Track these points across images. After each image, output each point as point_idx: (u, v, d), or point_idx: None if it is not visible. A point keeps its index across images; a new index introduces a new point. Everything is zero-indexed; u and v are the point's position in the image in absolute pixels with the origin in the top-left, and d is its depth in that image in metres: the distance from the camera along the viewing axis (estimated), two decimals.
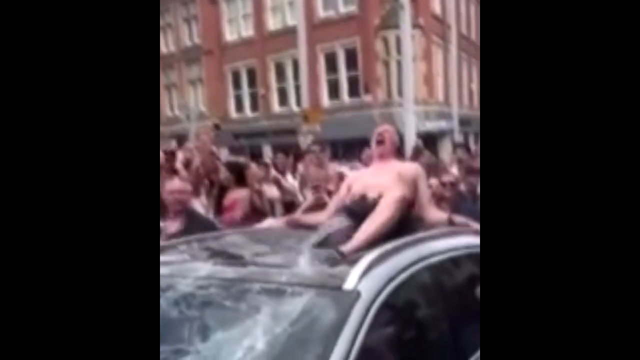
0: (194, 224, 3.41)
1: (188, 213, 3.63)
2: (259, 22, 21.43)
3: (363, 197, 2.42)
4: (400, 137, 3.06)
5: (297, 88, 19.55)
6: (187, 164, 5.83)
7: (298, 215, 3.13)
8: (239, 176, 5.24)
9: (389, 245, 1.81)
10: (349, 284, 1.55)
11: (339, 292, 1.54)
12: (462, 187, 5.11)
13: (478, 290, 1.95)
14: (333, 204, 2.84)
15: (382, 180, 2.53)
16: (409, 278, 1.69)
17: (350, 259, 1.74)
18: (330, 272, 1.71)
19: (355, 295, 1.51)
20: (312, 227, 2.36)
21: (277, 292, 1.61)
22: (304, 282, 1.63)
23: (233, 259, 2.06)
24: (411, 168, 2.79)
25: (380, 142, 2.80)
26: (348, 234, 2.08)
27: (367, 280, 1.56)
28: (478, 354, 1.66)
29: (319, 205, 4.06)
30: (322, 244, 2.04)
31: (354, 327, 1.42)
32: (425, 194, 2.66)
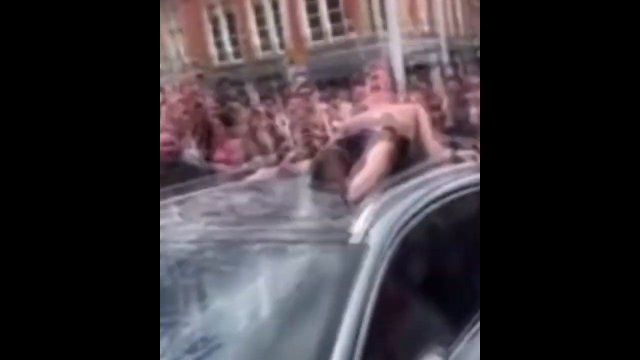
0: (188, 176, 3.31)
1: (180, 165, 3.53)
2: None
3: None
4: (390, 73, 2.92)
5: (278, 30, 19.09)
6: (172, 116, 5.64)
7: (287, 163, 2.98)
8: (230, 125, 5.10)
9: (394, 191, 1.67)
10: (355, 238, 1.41)
11: (345, 247, 1.40)
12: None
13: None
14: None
15: (375, 113, 2.38)
16: (419, 224, 1.55)
17: (354, 208, 1.60)
18: (334, 225, 1.57)
19: (364, 249, 1.37)
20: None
21: (279, 252, 1.48)
22: (306, 238, 1.50)
23: (227, 216, 1.93)
24: (409, 109, 2.64)
25: (375, 88, 2.64)
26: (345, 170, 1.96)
27: (374, 232, 1.42)
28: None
29: (310, 150, 3.96)
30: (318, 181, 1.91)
31: (364, 285, 1.29)
32: (427, 132, 2.51)
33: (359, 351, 1.20)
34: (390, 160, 2.04)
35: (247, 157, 5.07)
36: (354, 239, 1.41)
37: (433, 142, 2.58)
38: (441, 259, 1.69)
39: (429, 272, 1.60)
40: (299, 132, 4.69)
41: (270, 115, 6.46)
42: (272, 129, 5.77)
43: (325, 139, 3.95)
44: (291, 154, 4.19)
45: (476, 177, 2.04)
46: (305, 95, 6.89)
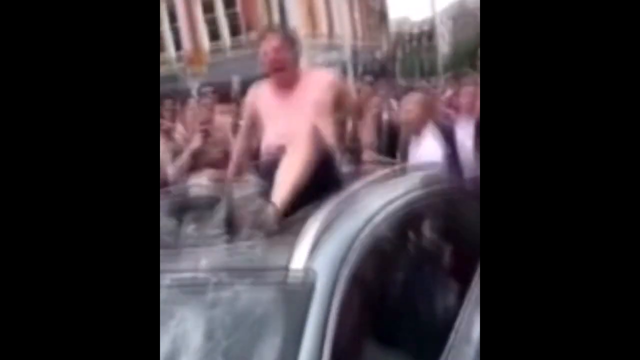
0: None
1: None
2: None
3: (277, 150, 1.95)
4: None
5: (173, 31, 18.37)
6: None
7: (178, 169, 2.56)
8: None
9: (330, 210, 1.37)
10: (295, 276, 1.11)
11: (285, 287, 1.10)
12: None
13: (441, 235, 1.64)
14: (239, 145, 2.43)
15: (295, 123, 2.05)
16: (371, 248, 1.26)
17: (283, 233, 1.31)
18: (268, 259, 1.25)
19: (308, 290, 1.08)
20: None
21: (196, 286, 1.15)
22: (230, 266, 1.17)
23: None
24: (325, 86, 2.30)
25: (278, 70, 2.28)
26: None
27: (318, 265, 1.13)
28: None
29: (203, 152, 3.67)
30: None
31: (313, 336, 0.99)
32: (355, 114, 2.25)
33: None
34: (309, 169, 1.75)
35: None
36: (294, 277, 1.11)
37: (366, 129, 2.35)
38: (404, 288, 1.42)
39: (391, 307, 1.33)
40: (197, 135, 4.27)
41: (169, 120, 6.01)
42: (170, 135, 5.34)
43: (226, 149, 3.61)
44: (185, 153, 3.78)
45: (416, 180, 1.82)
46: (205, 104, 6.47)
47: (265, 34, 2.37)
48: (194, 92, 9.59)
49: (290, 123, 2.11)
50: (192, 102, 6.86)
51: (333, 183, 1.74)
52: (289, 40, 2.32)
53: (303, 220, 1.32)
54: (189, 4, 15.64)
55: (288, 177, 1.71)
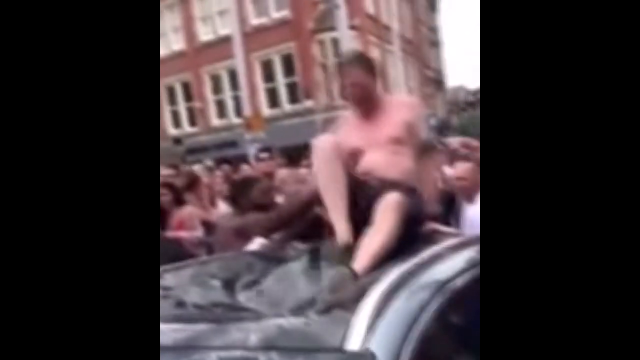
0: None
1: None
2: (190, 34, 20.70)
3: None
4: None
5: (234, 99, 19.02)
6: None
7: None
8: (178, 196, 4.79)
9: (388, 279, 1.32)
10: (352, 354, 1.03)
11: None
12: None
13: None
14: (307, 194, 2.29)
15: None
16: (431, 324, 1.19)
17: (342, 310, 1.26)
18: (319, 328, 1.20)
19: None
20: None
21: None
22: (281, 344, 1.12)
23: (180, 307, 1.54)
24: (410, 106, 2.39)
25: (363, 100, 2.29)
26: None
27: (376, 343, 1.06)
28: None
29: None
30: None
31: None
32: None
33: None
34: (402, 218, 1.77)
35: (204, 223, 4.74)
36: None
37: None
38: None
39: None
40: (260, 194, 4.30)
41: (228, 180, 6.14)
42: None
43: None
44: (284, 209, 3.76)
45: (474, 253, 1.74)
46: (267, 159, 6.62)
47: (345, 67, 2.38)
48: (251, 157, 9.79)
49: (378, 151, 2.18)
50: (246, 166, 7.00)
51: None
52: (371, 69, 2.33)
53: (359, 295, 1.28)
54: (250, 73, 16.23)
55: (371, 246, 1.71)
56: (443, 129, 26.91)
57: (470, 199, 3.26)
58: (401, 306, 1.20)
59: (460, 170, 3.40)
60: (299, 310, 1.34)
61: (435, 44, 32.83)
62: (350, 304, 1.26)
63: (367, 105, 2.30)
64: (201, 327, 1.38)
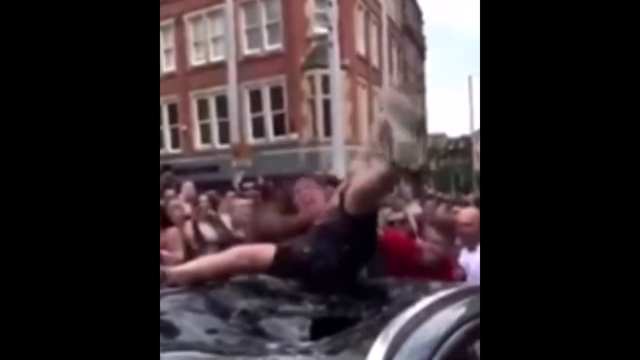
0: None
1: None
2: (181, 57, 20.79)
3: None
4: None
5: (220, 125, 19.04)
6: None
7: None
8: (163, 218, 4.76)
9: (399, 323, 1.34)
10: None
11: None
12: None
13: None
14: None
15: None
16: None
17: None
18: None
19: None
20: None
21: None
22: None
23: (167, 338, 1.51)
24: None
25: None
26: None
27: None
28: None
29: None
30: None
31: None
32: None
33: None
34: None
35: (187, 247, 4.71)
36: None
37: None
38: None
39: None
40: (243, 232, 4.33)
41: (214, 206, 6.12)
42: (219, 223, 5.41)
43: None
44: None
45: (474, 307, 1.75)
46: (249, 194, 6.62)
47: None
48: (236, 184, 9.78)
49: None
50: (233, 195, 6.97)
51: None
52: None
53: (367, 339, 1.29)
54: (240, 100, 16.33)
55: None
56: (421, 174, 27.21)
57: (472, 246, 3.29)
58: (413, 351, 1.22)
59: (465, 216, 3.43)
60: (306, 349, 1.35)
61: (420, 91, 33.43)
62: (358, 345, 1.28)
63: None
64: (201, 356, 1.37)
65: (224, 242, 5.17)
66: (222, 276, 2.07)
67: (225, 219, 5.64)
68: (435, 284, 2.04)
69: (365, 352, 1.22)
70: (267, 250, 2.10)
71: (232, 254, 2.17)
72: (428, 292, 1.83)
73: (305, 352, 1.33)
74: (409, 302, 1.60)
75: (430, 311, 1.51)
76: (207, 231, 5.27)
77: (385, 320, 1.46)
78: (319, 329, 1.57)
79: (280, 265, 2.04)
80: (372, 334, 1.32)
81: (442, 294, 1.71)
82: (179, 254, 4.55)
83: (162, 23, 20.70)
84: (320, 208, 2.69)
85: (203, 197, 6.94)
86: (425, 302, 1.59)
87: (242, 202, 5.96)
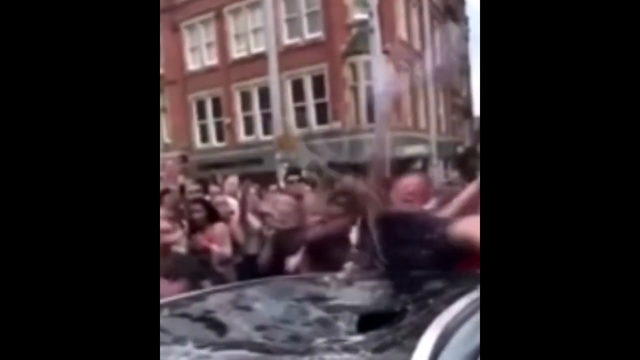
0: (179, 268, 2.97)
1: (172, 256, 3.14)
2: (223, 50, 21.00)
3: None
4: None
5: (263, 116, 19.19)
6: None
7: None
8: (212, 213, 4.82)
9: (442, 322, 1.32)
10: None
11: None
12: None
13: None
14: None
15: None
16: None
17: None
18: None
19: None
20: None
21: None
22: None
23: (217, 336, 1.53)
24: None
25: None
26: None
27: None
28: None
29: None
30: None
31: None
32: None
33: None
34: None
35: (234, 242, 4.77)
36: None
37: None
38: None
39: None
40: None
41: (260, 199, 6.17)
42: (264, 215, 5.45)
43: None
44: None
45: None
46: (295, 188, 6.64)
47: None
48: (281, 177, 9.85)
49: None
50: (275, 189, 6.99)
51: None
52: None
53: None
54: (282, 91, 16.41)
55: None
56: (469, 156, 26.78)
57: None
58: (458, 350, 1.20)
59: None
60: (352, 347, 1.35)
61: (465, 72, 32.81)
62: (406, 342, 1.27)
63: None
64: (250, 355, 1.39)
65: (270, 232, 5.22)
66: None
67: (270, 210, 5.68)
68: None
69: (411, 349, 1.21)
70: None
71: None
72: (474, 284, 1.80)
73: (351, 349, 1.33)
74: (455, 296, 1.59)
75: (475, 306, 1.49)
76: (254, 222, 5.33)
77: (432, 314, 1.45)
78: (366, 323, 1.57)
79: None
80: (418, 329, 1.31)
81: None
82: (227, 249, 4.62)
83: (202, 17, 21.00)
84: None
85: (252, 190, 7.01)
86: (471, 296, 1.56)
87: (284, 198, 6.01)
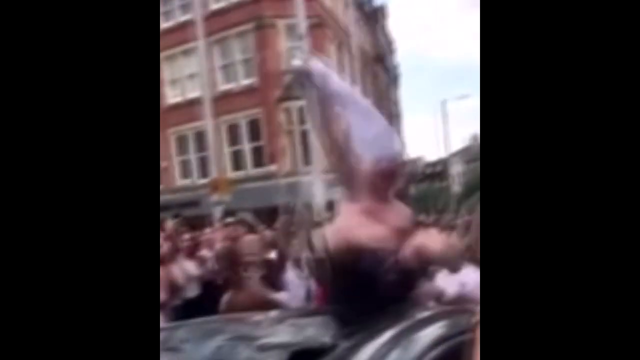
0: None
1: None
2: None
3: None
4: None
5: (199, 160, 19.07)
6: None
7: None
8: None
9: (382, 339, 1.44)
10: None
11: None
12: None
13: None
14: None
15: None
16: None
17: None
18: None
19: None
20: None
21: None
22: None
23: None
24: None
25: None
26: None
27: None
28: None
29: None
30: None
31: None
32: None
33: None
34: None
35: (173, 286, 4.74)
36: None
37: None
38: None
39: None
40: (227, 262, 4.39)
41: (195, 245, 6.16)
42: (202, 259, 5.46)
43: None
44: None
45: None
46: (230, 226, 6.67)
47: None
48: (216, 219, 9.81)
49: None
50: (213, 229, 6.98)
51: None
52: None
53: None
54: (217, 135, 16.43)
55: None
56: (400, 199, 27.33)
57: (454, 269, 3.49)
58: None
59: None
60: None
61: (396, 116, 33.83)
62: None
63: None
64: None
65: (206, 277, 5.22)
66: None
67: (206, 254, 5.70)
68: (404, 307, 2.12)
69: None
70: None
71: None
72: (398, 317, 1.90)
73: None
74: (380, 330, 1.70)
75: (399, 337, 1.61)
76: (190, 267, 5.32)
77: (357, 347, 1.56)
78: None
79: None
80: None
81: (409, 320, 1.81)
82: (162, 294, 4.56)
83: None
84: None
85: (186, 236, 6.97)
86: (395, 329, 1.68)
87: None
